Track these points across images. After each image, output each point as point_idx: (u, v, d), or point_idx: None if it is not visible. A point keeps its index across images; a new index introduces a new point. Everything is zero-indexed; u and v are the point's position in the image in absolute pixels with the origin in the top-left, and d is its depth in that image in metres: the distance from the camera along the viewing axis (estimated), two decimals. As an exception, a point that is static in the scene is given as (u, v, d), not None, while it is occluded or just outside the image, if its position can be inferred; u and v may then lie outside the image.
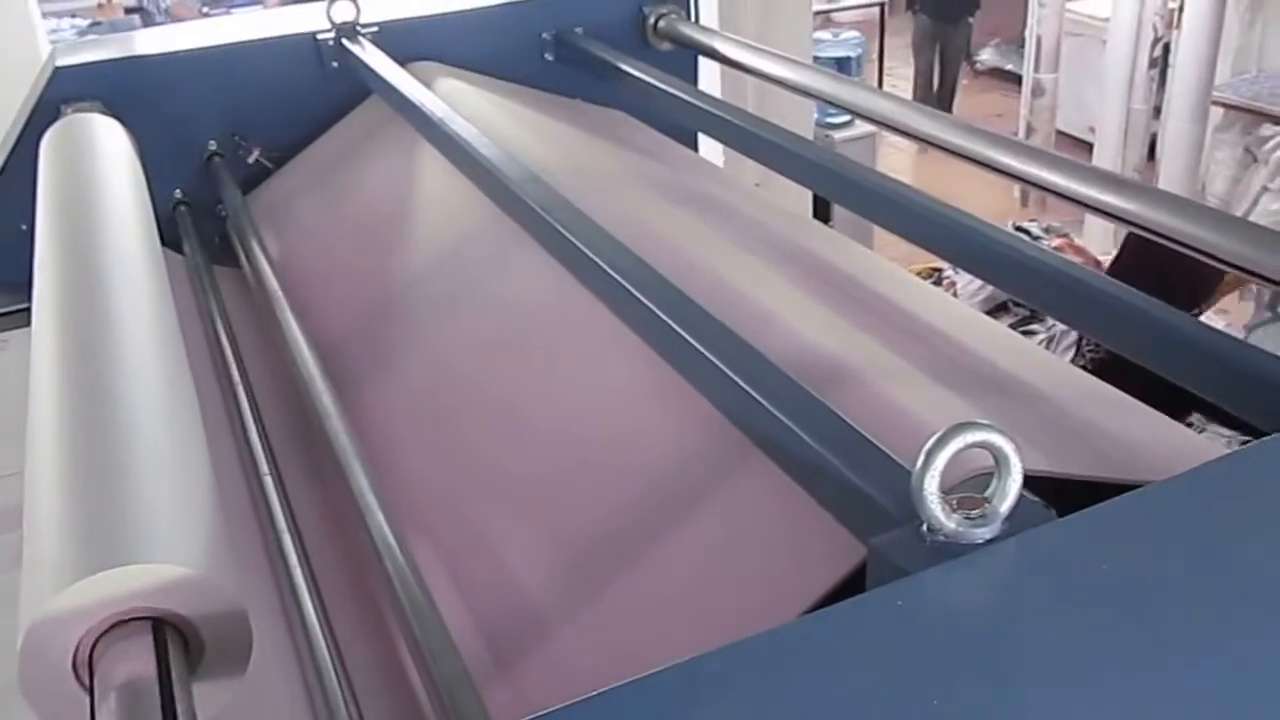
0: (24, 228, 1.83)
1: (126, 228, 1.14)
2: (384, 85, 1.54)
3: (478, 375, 1.03)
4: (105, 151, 1.38)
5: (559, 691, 0.76)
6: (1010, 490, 0.57)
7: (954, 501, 0.57)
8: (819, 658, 0.52)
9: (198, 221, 1.74)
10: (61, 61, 1.73)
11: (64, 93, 1.70)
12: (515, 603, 0.83)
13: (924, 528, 0.57)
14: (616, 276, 0.89)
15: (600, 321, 0.94)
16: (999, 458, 0.57)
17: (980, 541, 0.56)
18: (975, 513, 0.57)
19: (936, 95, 6.45)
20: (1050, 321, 2.93)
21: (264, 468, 1.06)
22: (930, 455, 0.55)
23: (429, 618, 0.77)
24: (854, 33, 6.34)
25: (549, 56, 1.91)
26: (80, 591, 0.61)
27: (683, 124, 1.82)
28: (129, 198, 1.23)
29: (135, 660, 0.60)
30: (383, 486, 0.91)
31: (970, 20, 6.61)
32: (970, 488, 0.59)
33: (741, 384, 0.73)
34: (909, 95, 5.73)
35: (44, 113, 1.67)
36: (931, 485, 0.56)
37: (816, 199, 2.78)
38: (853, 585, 0.69)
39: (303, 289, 1.31)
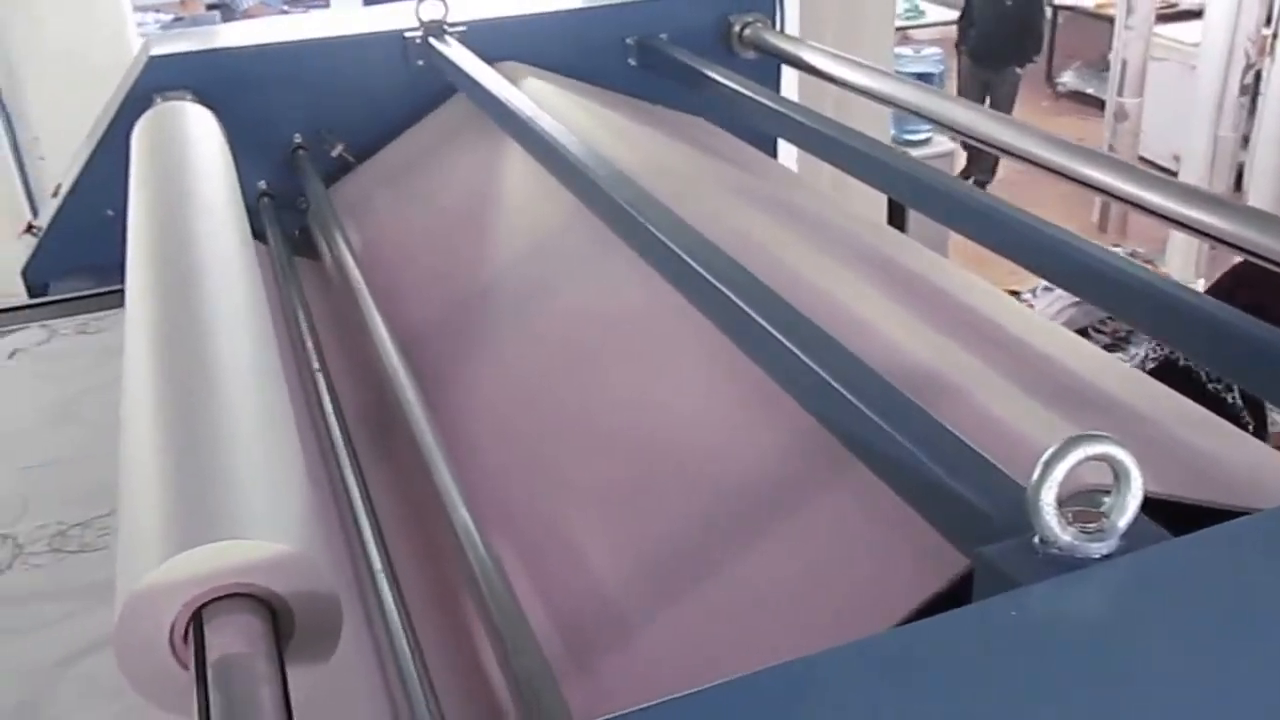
0: (110, 213, 1.87)
1: (219, 214, 1.15)
2: (471, 83, 1.54)
3: (562, 374, 1.03)
4: (198, 139, 1.40)
5: (638, 693, 0.75)
6: (1129, 506, 0.55)
7: (1069, 515, 0.56)
8: (928, 665, 0.51)
9: (279, 213, 1.76)
10: (156, 51, 1.76)
11: (157, 82, 1.72)
12: (595, 603, 0.82)
13: (1036, 540, 0.56)
14: (709, 278, 0.88)
15: (689, 323, 0.93)
16: (1119, 472, 0.55)
17: (1096, 557, 0.55)
18: (1091, 527, 0.55)
19: (993, 157, 5.86)
20: (1132, 349, 2.88)
21: (343, 457, 1.06)
22: (1048, 466, 0.54)
23: (511, 611, 0.76)
24: (935, 49, 6.23)
25: (632, 62, 1.91)
26: (179, 565, 0.61)
27: (768, 131, 1.81)
28: (221, 185, 1.24)
29: (232, 636, 0.60)
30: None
31: (1019, 71, 6.05)
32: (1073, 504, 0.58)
33: (840, 389, 0.72)
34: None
35: (137, 101, 1.70)
36: (1049, 497, 0.54)
37: (891, 208, 2.76)
38: (947, 598, 0.68)
39: (383, 283, 1.31)
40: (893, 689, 0.50)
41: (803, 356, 0.76)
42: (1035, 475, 0.54)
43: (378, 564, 0.90)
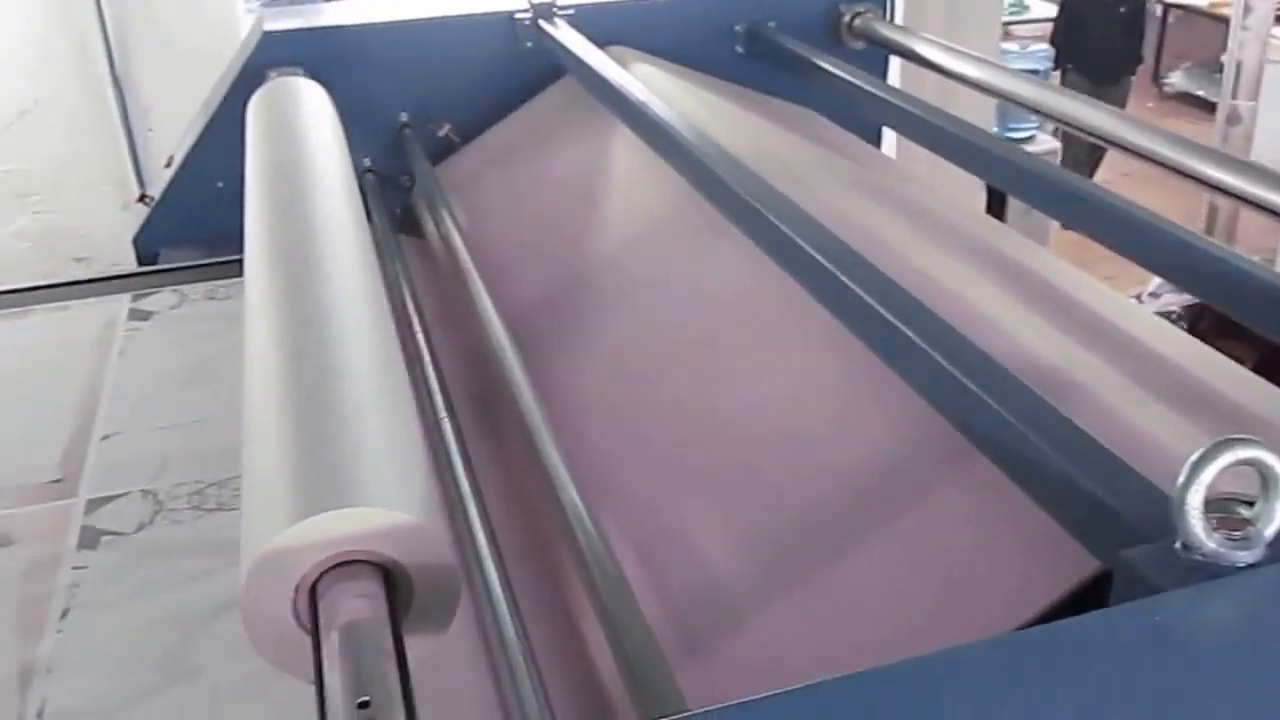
0: (220, 185, 1.91)
1: (335, 189, 1.16)
2: (581, 66, 1.55)
3: (671, 358, 1.02)
4: (313, 114, 1.41)
5: (748, 683, 0.75)
6: (1278, 514, 0.53)
7: (1213, 520, 0.54)
8: (1063, 667, 0.49)
9: (383, 191, 1.78)
10: (269, 27, 1.79)
11: (270, 58, 1.75)
12: (704, 590, 0.81)
13: (1178, 545, 0.54)
14: (828, 265, 0.87)
15: (802, 310, 0.92)
16: (1268, 478, 0.53)
17: (1240, 565, 0.53)
18: (1237, 534, 0.53)
19: (1089, 161, 5.33)
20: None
21: (448, 433, 1.07)
22: (1196, 469, 0.52)
23: (621, 594, 0.76)
24: (1043, 45, 6.05)
25: (739, 49, 1.90)
26: (305, 530, 0.62)
27: (882, 123, 1.79)
28: (336, 160, 1.26)
29: (353, 602, 0.61)
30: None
31: (1131, 78, 5.78)
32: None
33: (969, 384, 0.71)
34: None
35: (250, 76, 1.73)
36: (1195, 501, 0.53)
37: (990, 199, 2.74)
38: (1070, 602, 0.66)
39: (488, 262, 1.32)
40: (1024, 690, 0.49)
41: (928, 349, 0.74)
42: (1181, 478, 0.53)
43: (483, 542, 0.91)
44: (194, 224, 1.90)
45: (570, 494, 0.86)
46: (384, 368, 0.80)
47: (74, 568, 1.07)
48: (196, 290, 1.65)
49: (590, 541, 0.81)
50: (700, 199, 1.13)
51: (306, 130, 1.34)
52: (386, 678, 0.57)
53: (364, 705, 0.56)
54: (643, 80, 1.51)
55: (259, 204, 1.15)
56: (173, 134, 3.00)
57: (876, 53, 1.94)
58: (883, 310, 0.79)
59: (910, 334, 0.76)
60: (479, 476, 1.03)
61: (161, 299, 1.65)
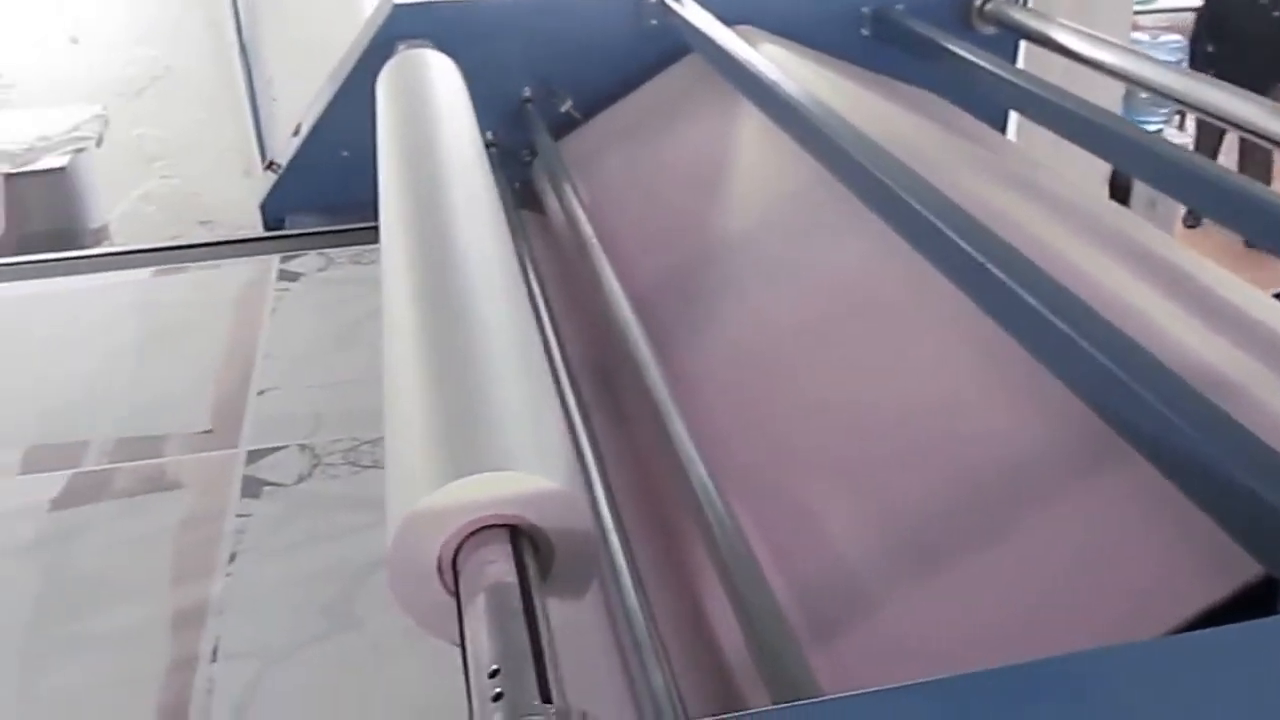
0: (345, 154, 1.94)
1: (465, 158, 1.17)
2: (708, 44, 1.53)
3: (801, 342, 1.01)
4: (443, 85, 1.43)
5: (879, 673, 0.74)
6: None
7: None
8: (1222, 675, 0.47)
9: (504, 164, 1.79)
10: (399, 0, 1.81)
11: (399, 30, 1.77)
12: (834, 577, 0.80)
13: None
14: (972, 251, 0.85)
15: (940, 297, 0.90)
16: None
17: None
18: None
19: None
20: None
21: (573, 409, 1.07)
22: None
23: (753, 577, 0.75)
24: (1176, 36, 5.79)
25: (865, 32, 1.88)
26: (453, 493, 0.62)
27: (1006, 108, 1.75)
28: (467, 132, 1.27)
29: (497, 566, 0.61)
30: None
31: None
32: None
33: (1125, 379, 0.68)
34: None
35: (379, 48, 1.75)
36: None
37: (1113, 191, 2.68)
38: (1225, 609, 0.64)
39: (611, 239, 1.32)
40: (1186, 694, 0.47)
41: (1082, 342, 0.72)
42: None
43: (607, 517, 0.91)
44: (319, 191, 1.94)
45: (699, 473, 0.86)
46: (521, 337, 0.80)
47: (238, 515, 1.12)
48: (342, 254, 1.70)
49: (720, 521, 0.81)
50: (832, 181, 1.11)
51: (439, 102, 1.35)
52: (529, 641, 0.57)
53: (494, 675, 0.56)
54: (770, 60, 1.50)
55: (394, 174, 1.16)
56: (294, 104, 3.08)
57: (1006, 38, 1.90)
58: (1033, 301, 0.77)
59: (1063, 327, 0.74)
60: (601, 452, 1.03)
61: (308, 261, 1.70)
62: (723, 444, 0.94)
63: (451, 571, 0.64)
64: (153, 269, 1.74)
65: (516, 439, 0.66)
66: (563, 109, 1.85)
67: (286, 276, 1.67)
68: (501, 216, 1.05)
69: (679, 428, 0.92)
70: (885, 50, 1.85)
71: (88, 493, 1.18)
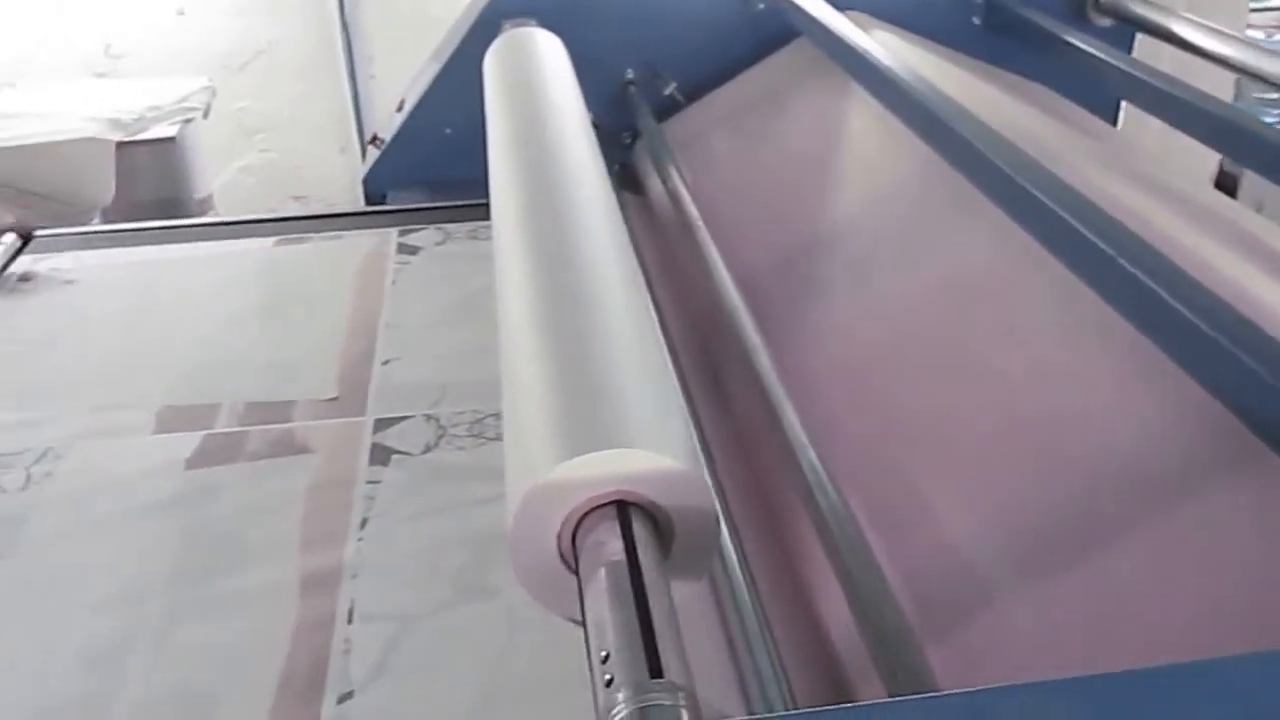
0: (448, 131, 1.95)
1: (577, 139, 1.17)
2: (819, 29, 1.52)
3: (915, 331, 0.99)
4: (551, 64, 1.43)
5: (998, 670, 0.72)
6: None
7: None
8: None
9: (605, 146, 1.79)
10: (505, -22, 1.81)
11: (505, 8, 1.77)
12: (950, 571, 0.79)
13: None
14: (1099, 242, 0.82)
15: (1061, 287, 0.88)
16: None
17: None
18: None
19: None
20: None
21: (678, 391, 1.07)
22: None
23: (867, 566, 0.74)
24: None
25: (976, 21, 1.84)
26: (574, 468, 0.62)
27: (1118, 100, 1.71)
28: (577, 112, 1.27)
29: (619, 543, 0.61)
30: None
31: None
32: None
33: (1261, 373, 0.66)
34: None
35: (485, 26, 1.76)
36: None
37: (1221, 177, 2.61)
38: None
39: (716, 222, 1.31)
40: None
41: (1219, 338, 0.70)
42: None
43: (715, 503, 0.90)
44: (421, 168, 1.96)
45: (810, 459, 0.85)
46: (638, 316, 0.80)
47: (368, 482, 1.14)
48: (459, 230, 1.71)
49: (832, 509, 0.80)
50: (948, 169, 1.09)
51: (548, 82, 1.35)
52: (655, 619, 0.57)
53: (607, 659, 0.56)
54: (882, 45, 1.48)
55: (506, 153, 1.16)
56: (393, 81, 3.11)
57: (1123, 31, 1.85)
58: (1169, 298, 0.75)
59: (1199, 322, 0.72)
60: (705, 435, 1.02)
61: (427, 235, 1.73)
62: (833, 431, 0.92)
63: (571, 548, 0.64)
64: (274, 238, 1.78)
65: (640, 417, 0.66)
66: (666, 92, 1.84)
67: (405, 250, 1.70)
68: (613, 197, 1.04)
69: (789, 414, 0.91)
70: (995, 40, 1.82)
71: (220, 454, 1.21)
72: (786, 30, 1.75)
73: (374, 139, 2.05)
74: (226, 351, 1.43)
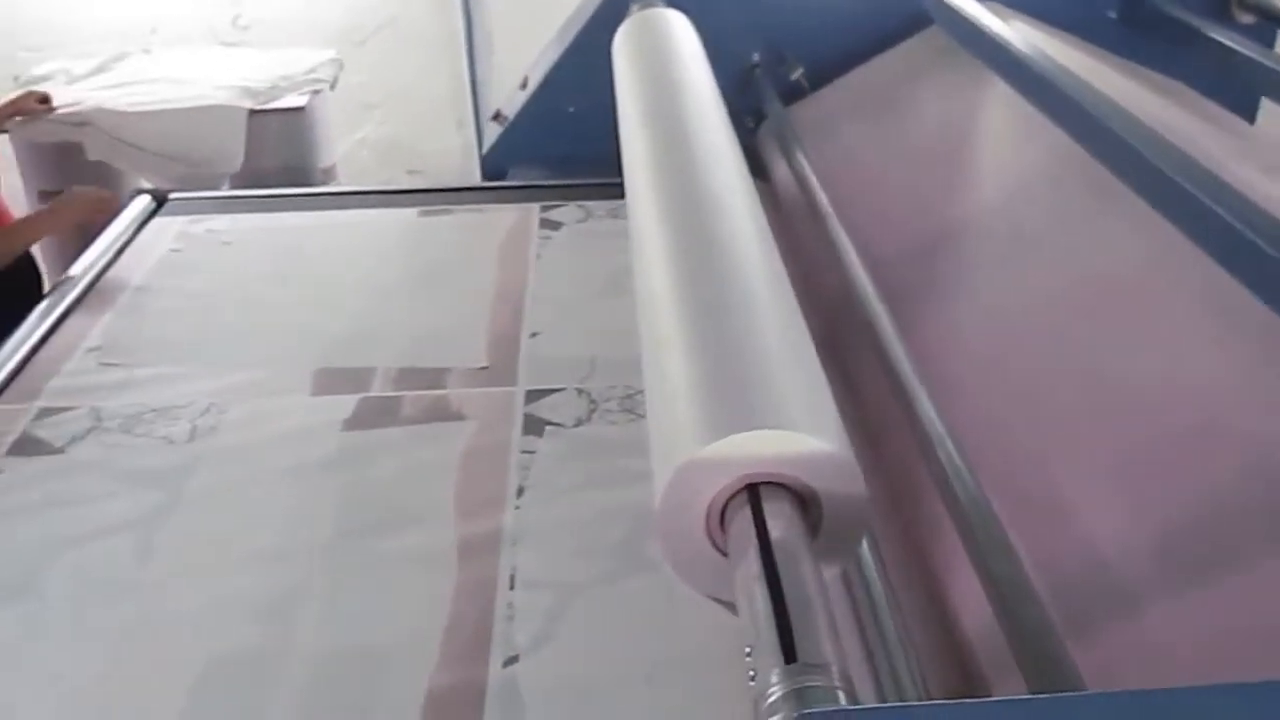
0: (571, 110, 1.97)
1: (711, 119, 1.17)
2: (954, 17, 1.49)
3: (1058, 324, 0.98)
4: (683, 47, 1.42)
5: (1141, 674, 0.71)
6: None
7: None
8: None
9: (727, 130, 1.78)
10: (635, -39, 1.81)
11: (633, -8, 1.77)
12: (1091, 569, 0.78)
13: None
14: (1260, 242, 0.80)
15: (1212, 285, 0.86)
16: None
17: None
18: None
19: None
20: None
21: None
22: None
23: (1009, 562, 0.74)
24: None
25: (1111, 14, 1.80)
26: (728, 447, 0.62)
27: (1260, 98, 1.66)
28: (709, 92, 1.27)
29: (768, 523, 0.61)
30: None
31: None
32: None
33: None
34: None
35: (612, 6, 1.77)
36: None
37: None
38: None
39: (845, 209, 1.30)
40: None
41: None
42: None
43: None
44: (543, 145, 1.97)
45: (949, 450, 0.84)
46: (783, 299, 0.80)
47: (523, 451, 1.17)
48: (600, 208, 1.73)
49: (971, 501, 0.79)
50: (1089, 161, 1.07)
51: (681, 63, 1.35)
52: (806, 600, 0.57)
53: (758, 640, 0.56)
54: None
55: (640, 133, 1.17)
56: (511, 59, 3.13)
57: (1264, 28, 1.80)
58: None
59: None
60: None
61: (568, 212, 1.76)
62: (969, 424, 0.91)
63: (720, 528, 0.64)
64: (418, 209, 1.82)
65: (792, 398, 0.66)
66: (793, 77, 1.83)
67: (548, 225, 1.73)
68: (750, 180, 1.04)
69: (925, 404, 0.90)
70: (1131, 34, 1.77)
71: (376, 417, 1.25)
72: (917, 18, 1.73)
73: (497, 115, 2.07)
74: (378, 318, 1.47)
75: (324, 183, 2.61)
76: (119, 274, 1.64)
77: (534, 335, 1.40)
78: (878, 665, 0.77)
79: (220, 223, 1.78)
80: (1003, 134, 1.32)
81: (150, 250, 1.71)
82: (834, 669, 0.52)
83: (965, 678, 0.79)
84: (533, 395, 1.27)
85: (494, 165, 2.05)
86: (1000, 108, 1.34)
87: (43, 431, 1.25)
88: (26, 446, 1.22)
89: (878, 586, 0.81)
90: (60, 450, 1.21)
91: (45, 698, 0.91)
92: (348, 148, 3.28)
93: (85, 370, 1.37)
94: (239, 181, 2.38)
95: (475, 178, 3.15)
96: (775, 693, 0.52)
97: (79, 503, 1.13)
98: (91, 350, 1.42)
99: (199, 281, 1.60)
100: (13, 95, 2.41)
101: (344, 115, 3.26)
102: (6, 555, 1.06)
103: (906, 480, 0.96)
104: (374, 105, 3.45)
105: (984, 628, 0.77)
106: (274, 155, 2.47)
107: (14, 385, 1.35)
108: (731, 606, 0.71)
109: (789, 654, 0.54)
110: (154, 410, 1.27)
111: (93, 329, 1.47)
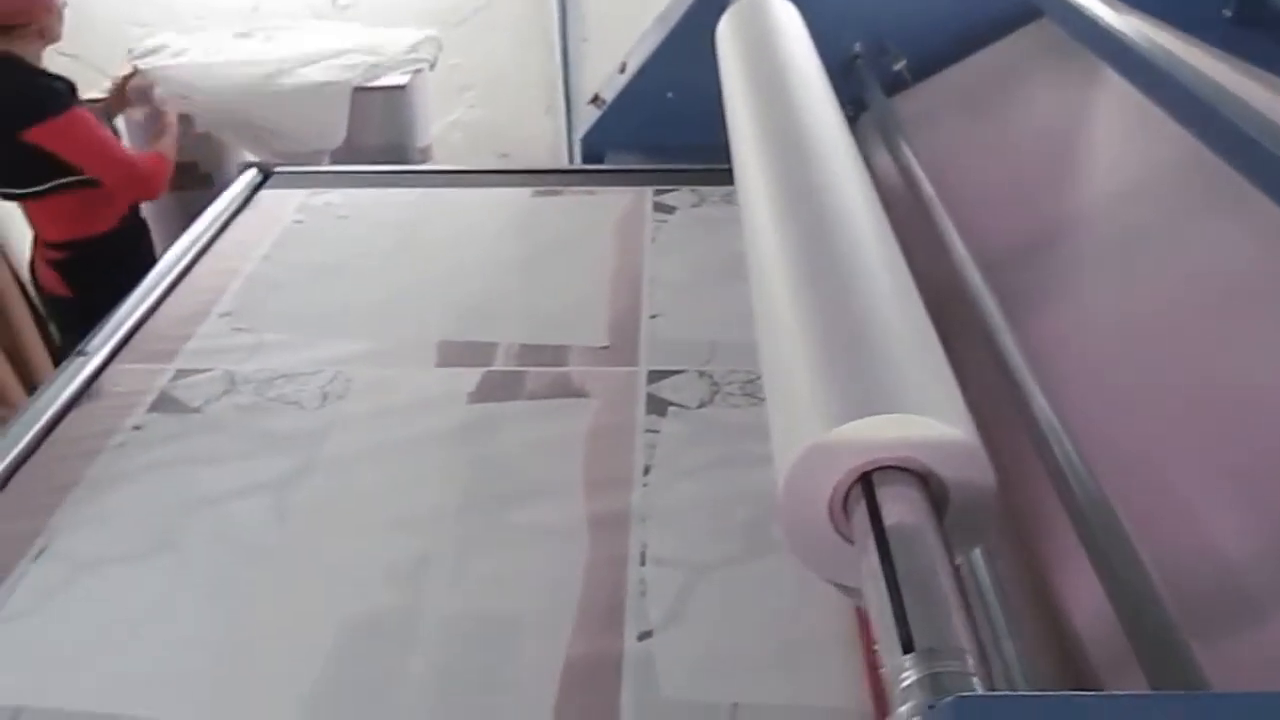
0: (670, 95, 1.97)
1: (822, 106, 1.17)
2: (1066, 10, 1.47)
3: (1174, 327, 0.96)
4: (789, 33, 1.42)
5: (1266, 681, 0.70)
6: None
7: None
8: None
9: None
10: (739, -53, 1.80)
11: (738, -23, 1.77)
12: (1212, 574, 0.76)
13: None
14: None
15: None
16: None
17: None
18: None
19: None
20: None
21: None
22: None
23: (1129, 560, 0.73)
24: None
25: (1227, 12, 1.76)
26: (852, 432, 0.62)
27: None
28: (818, 78, 1.26)
29: (895, 509, 0.61)
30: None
31: None
32: None
33: None
34: None
35: (714, -5, 1.76)
36: None
37: None
38: None
39: (951, 202, 1.29)
40: None
41: None
42: None
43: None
44: (640, 130, 1.98)
45: (1065, 447, 0.83)
46: (904, 285, 0.79)
47: (647, 431, 1.19)
48: (714, 193, 1.74)
49: (1087, 496, 0.78)
50: (1210, 159, 1.04)
51: (789, 51, 1.35)
52: (936, 588, 0.57)
53: (889, 627, 0.56)
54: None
55: (752, 120, 1.17)
56: (604, 45, 3.14)
57: (1389, 29, 1.74)
58: None
59: None
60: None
61: (682, 196, 1.77)
62: (1083, 422, 0.90)
63: (843, 512, 0.64)
64: (531, 189, 1.86)
65: (920, 383, 0.65)
66: (895, 68, 1.82)
67: (662, 209, 1.75)
68: (864, 168, 1.04)
69: (1039, 400, 0.89)
70: (1246, 33, 1.73)
71: (500, 390, 1.28)
72: (1024, 11, 1.70)
73: (595, 98, 2.08)
74: (497, 294, 1.50)
75: (421, 162, 2.65)
76: (244, 243, 1.70)
77: (653, 317, 1.42)
78: (989, 659, 0.76)
79: (337, 196, 1.83)
80: (1119, 130, 1.30)
81: (273, 222, 1.76)
82: (969, 657, 0.52)
83: (1074, 674, 0.78)
84: (654, 376, 1.29)
85: (591, 149, 2.06)
86: (1115, 103, 1.31)
87: (180, 392, 1.30)
88: (165, 405, 1.27)
89: (985, 576, 0.81)
90: (197, 410, 1.26)
91: (189, 651, 0.94)
92: (440, 129, 3.30)
93: (218, 334, 1.42)
94: (338, 157, 2.42)
95: (564, 164, 3.17)
96: (908, 678, 0.52)
97: (216, 462, 1.17)
98: (223, 315, 1.47)
99: (321, 253, 1.65)
100: (116, 81, 2.43)
101: (438, 97, 3.29)
102: (149, 510, 1.10)
103: (1010, 474, 0.95)
104: (467, 87, 3.48)
105: (1097, 624, 0.77)
106: (374, 133, 2.51)
107: (147, 346, 1.41)
108: (852, 591, 0.71)
109: (926, 640, 0.54)
110: (284, 376, 1.31)
111: (223, 295, 1.52)
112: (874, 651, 0.82)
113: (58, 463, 1.18)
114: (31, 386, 2.72)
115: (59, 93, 2.00)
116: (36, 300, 2.45)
